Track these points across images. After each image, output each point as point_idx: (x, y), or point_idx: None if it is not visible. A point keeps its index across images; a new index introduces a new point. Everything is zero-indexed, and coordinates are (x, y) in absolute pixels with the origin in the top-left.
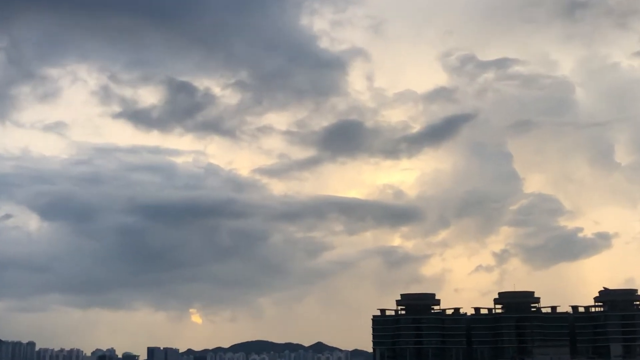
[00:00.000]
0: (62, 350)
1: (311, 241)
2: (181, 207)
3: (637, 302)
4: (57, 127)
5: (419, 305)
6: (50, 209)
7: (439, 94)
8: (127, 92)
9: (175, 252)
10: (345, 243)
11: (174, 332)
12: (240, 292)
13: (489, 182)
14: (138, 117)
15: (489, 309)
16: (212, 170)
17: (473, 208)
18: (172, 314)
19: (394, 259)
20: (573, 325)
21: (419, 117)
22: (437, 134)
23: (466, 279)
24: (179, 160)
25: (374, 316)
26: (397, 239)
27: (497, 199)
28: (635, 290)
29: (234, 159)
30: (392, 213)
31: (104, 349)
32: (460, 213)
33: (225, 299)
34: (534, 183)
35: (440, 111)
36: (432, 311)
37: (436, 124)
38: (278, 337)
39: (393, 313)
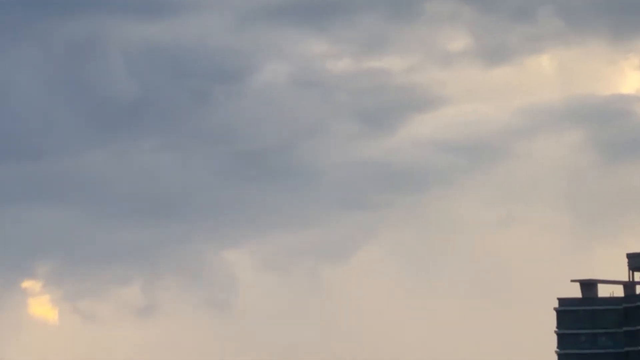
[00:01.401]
0: None
1: (374, 77)
2: None
3: None
4: None
5: None
6: None
7: None
8: None
9: None
10: (473, 86)
11: None
12: (167, 232)
13: None
14: None
15: None
16: None
17: None
18: None
19: (624, 137)
20: None
21: None
22: None
23: None
24: None
25: (560, 302)
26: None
27: None
28: None
29: None
30: None
31: None
32: None
33: (122, 253)
34: None
35: None
36: None
37: None
38: None
39: (621, 292)
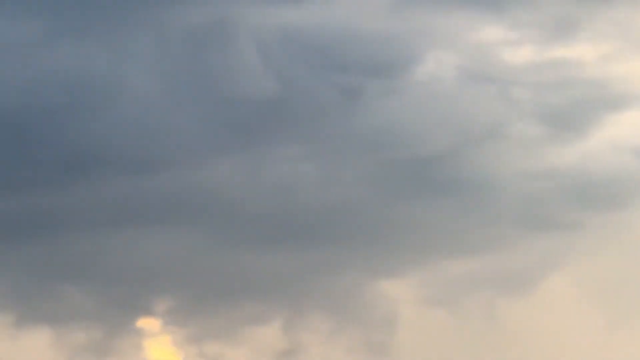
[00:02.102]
0: None
1: (561, 69)
2: None
3: None
4: None
5: None
6: None
7: None
8: None
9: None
10: None
11: None
12: (312, 260)
13: None
14: None
15: None
16: None
17: None
18: (76, 334)
19: None
20: None
21: None
22: None
23: None
24: None
25: None
26: None
27: None
28: None
29: None
30: None
31: None
32: None
33: (257, 285)
34: None
35: None
36: None
37: None
38: None
39: None
